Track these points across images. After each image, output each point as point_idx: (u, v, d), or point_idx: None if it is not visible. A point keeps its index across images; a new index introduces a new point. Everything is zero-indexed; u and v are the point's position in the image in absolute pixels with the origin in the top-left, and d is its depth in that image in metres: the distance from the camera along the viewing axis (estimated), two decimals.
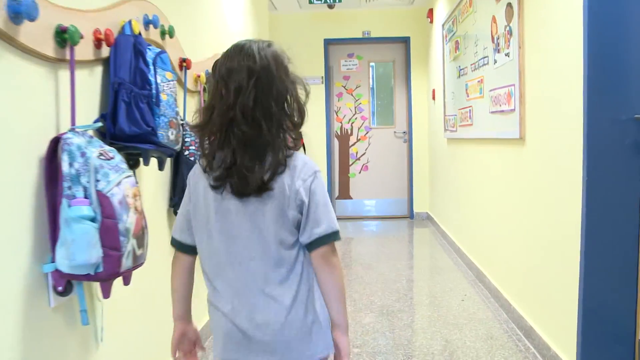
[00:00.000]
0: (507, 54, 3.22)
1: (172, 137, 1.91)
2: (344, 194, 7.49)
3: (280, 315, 1.27)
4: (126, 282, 1.69)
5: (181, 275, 1.40)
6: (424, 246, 5.74)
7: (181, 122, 2.09)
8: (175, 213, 2.41)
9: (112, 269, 1.46)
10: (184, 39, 2.62)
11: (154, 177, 2.30)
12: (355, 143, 7.42)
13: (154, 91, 1.83)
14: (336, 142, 7.44)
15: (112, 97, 1.74)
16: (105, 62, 1.79)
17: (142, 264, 1.61)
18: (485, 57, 3.75)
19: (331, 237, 1.28)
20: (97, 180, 1.44)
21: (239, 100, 1.21)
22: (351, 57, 7.34)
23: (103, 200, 1.44)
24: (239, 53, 1.25)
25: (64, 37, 1.49)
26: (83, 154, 1.44)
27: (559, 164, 2.50)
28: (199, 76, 2.79)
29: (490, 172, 3.78)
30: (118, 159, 1.55)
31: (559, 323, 2.52)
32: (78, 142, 1.45)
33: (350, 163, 7.45)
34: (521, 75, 2.98)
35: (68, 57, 1.53)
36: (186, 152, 2.44)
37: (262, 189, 1.23)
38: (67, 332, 1.60)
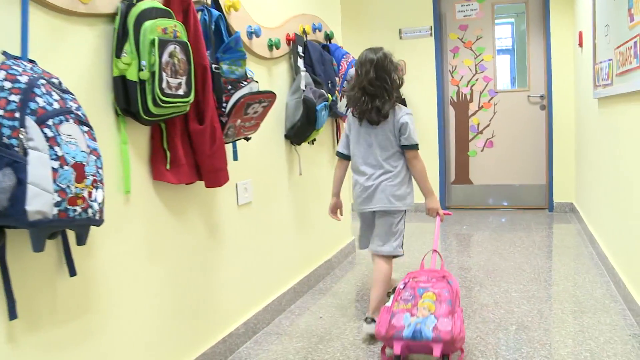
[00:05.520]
0: None
1: None
2: (462, 177, 5.91)
3: None
4: None
5: (340, 170, 2.79)
6: (565, 256, 3.95)
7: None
8: None
9: None
10: None
11: None
12: (476, 112, 5.84)
13: None
14: (451, 111, 5.92)
15: None
16: None
17: None
18: None
19: (414, 147, 2.60)
20: None
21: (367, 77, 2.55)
22: (469, 0, 5.68)
23: None
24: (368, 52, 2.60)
25: None
26: None
27: None
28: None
29: None
30: None
31: None
32: None
33: (469, 138, 5.89)
34: None
35: None
36: None
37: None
38: None
